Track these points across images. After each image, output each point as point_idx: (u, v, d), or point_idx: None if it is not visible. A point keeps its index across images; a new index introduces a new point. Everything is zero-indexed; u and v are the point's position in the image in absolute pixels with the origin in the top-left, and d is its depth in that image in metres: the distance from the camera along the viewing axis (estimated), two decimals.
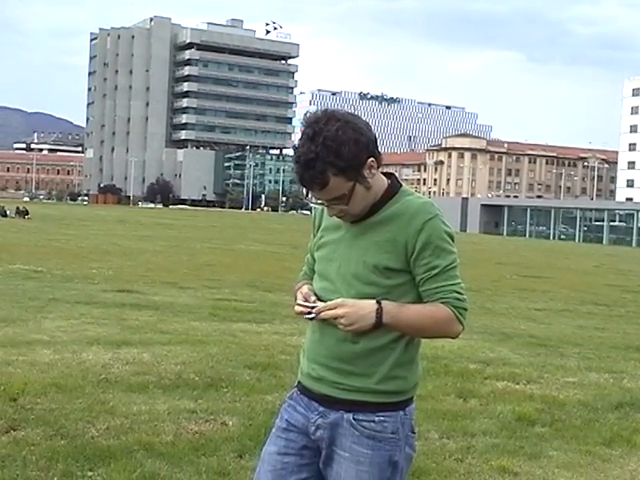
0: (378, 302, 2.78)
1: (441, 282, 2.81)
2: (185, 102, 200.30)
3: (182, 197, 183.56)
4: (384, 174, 2.94)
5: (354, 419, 2.86)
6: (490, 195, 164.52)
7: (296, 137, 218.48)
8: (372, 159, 2.79)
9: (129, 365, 8.28)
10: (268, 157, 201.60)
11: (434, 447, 6.18)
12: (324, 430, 2.90)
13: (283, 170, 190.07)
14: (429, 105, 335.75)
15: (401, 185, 2.94)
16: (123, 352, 8.91)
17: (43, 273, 18.36)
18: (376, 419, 2.85)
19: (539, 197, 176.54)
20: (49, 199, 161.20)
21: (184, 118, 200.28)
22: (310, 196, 2.88)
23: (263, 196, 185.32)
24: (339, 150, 2.70)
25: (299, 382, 3.05)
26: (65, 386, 7.22)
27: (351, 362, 2.86)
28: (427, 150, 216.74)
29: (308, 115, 2.79)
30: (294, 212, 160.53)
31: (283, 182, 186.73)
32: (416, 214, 2.82)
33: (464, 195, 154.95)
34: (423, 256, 2.80)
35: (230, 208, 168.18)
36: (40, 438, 5.76)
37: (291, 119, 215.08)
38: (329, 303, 2.81)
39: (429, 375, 8.61)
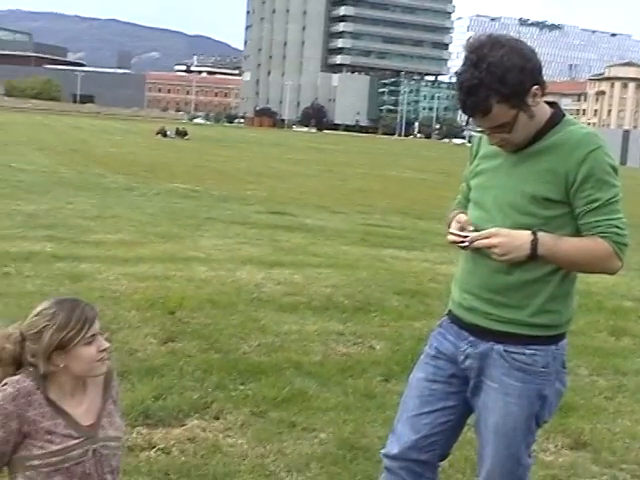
0: (534, 233, 2.72)
1: (601, 216, 2.71)
2: (341, 26, 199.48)
3: (336, 122, 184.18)
4: (547, 103, 2.85)
5: (505, 351, 2.84)
6: None
7: (452, 63, 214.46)
8: (537, 87, 2.71)
9: (280, 285, 8.47)
10: (423, 83, 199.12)
11: (583, 384, 6.07)
12: (473, 360, 2.90)
13: (438, 97, 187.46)
14: (593, 32, 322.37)
15: (564, 115, 2.85)
16: (275, 272, 9.11)
17: (200, 193, 18.90)
18: (527, 352, 2.82)
19: None
20: (207, 120, 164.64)
21: (340, 42, 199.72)
22: (471, 124, 2.81)
23: (416, 123, 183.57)
24: (504, 77, 2.62)
25: (450, 311, 3.05)
26: (220, 302, 7.47)
27: (504, 293, 2.82)
28: (588, 79, 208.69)
29: (471, 40, 2.73)
30: (447, 140, 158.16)
31: (437, 109, 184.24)
32: (579, 144, 2.72)
33: (626, 127, 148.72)
34: (584, 188, 2.71)
35: (383, 134, 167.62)
36: (196, 350, 6.01)
37: (447, 45, 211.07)
38: (483, 232, 2.77)
39: (581, 311, 8.41)
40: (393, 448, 3.07)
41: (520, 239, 2.72)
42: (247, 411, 4.93)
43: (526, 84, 2.68)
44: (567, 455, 4.71)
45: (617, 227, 2.73)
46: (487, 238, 2.76)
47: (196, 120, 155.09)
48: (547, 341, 2.85)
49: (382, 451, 3.15)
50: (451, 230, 2.91)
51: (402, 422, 3.07)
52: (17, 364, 2.39)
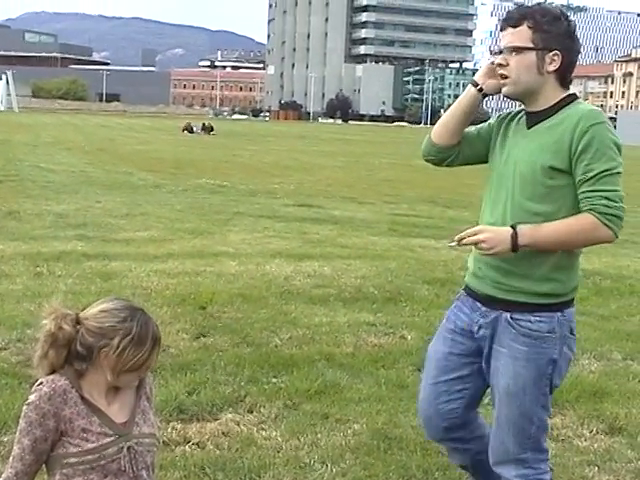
0: (513, 227, 2.93)
1: (594, 186, 2.90)
2: (364, 16, 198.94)
3: (361, 112, 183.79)
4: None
5: (512, 318, 3.06)
6: None
7: (476, 50, 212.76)
8: (557, 52, 2.99)
9: (310, 278, 8.49)
10: (447, 71, 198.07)
11: (617, 368, 6.04)
12: (485, 329, 3.13)
13: (463, 84, 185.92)
14: (619, 13, 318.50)
15: (577, 98, 3.10)
16: (304, 265, 9.13)
17: (228, 187, 18.96)
18: (532, 319, 3.04)
19: None
20: (232, 115, 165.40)
21: (363, 33, 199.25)
22: (493, 50, 3.22)
23: (442, 111, 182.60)
24: (544, 12, 3.00)
25: (466, 284, 3.28)
26: (250, 296, 7.50)
27: (512, 262, 3.01)
28: (615, 61, 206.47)
29: None
30: (472, 128, 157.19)
31: None
32: (583, 117, 2.93)
33: None
34: (583, 158, 2.90)
35: (409, 123, 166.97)
36: (227, 345, 6.04)
37: (471, 31, 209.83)
38: (468, 230, 2.99)
39: (612, 295, 8.38)
40: (419, 414, 3.43)
41: (502, 234, 2.94)
42: (280, 404, 4.96)
43: (554, 37, 2.98)
44: (602, 440, 4.69)
45: (607, 199, 2.89)
46: (474, 235, 2.96)
47: (235, 116, 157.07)
48: (552, 308, 3.07)
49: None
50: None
51: (422, 392, 3.37)
52: (68, 348, 2.38)
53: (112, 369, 2.35)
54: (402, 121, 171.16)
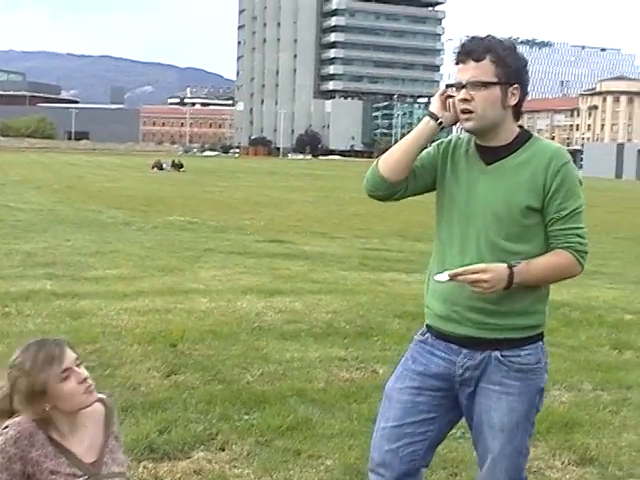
0: (510, 267, 2.91)
1: (568, 224, 2.96)
2: (332, 52, 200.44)
3: (331, 148, 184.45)
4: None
5: (502, 356, 3.04)
6: None
7: (443, 85, 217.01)
8: (517, 86, 2.99)
9: (281, 313, 8.47)
10: (416, 106, 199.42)
11: (588, 399, 6.07)
12: (474, 370, 3.06)
13: None
14: (582, 48, 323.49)
15: (531, 133, 3.11)
16: (276, 301, 9.11)
17: (198, 224, 18.94)
18: (522, 353, 3.05)
19: None
20: (202, 152, 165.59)
21: (332, 69, 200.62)
22: (448, 86, 3.07)
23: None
24: (503, 46, 2.97)
25: (432, 326, 3.17)
26: (221, 333, 7.47)
27: (496, 301, 2.98)
28: (580, 95, 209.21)
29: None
30: None
31: None
32: (554, 156, 2.98)
33: (619, 141, 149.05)
34: (556, 197, 2.96)
35: (378, 158, 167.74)
36: (199, 382, 6.00)
37: (439, 67, 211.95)
38: (469, 268, 2.91)
39: (582, 326, 8.44)
40: (374, 458, 3.20)
41: (502, 274, 2.91)
42: (252, 441, 4.92)
43: (514, 71, 2.97)
44: (574, 471, 4.70)
45: (579, 236, 2.98)
46: (476, 273, 2.89)
47: (205, 153, 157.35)
48: (536, 339, 3.10)
49: (368, 466, 3.26)
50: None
51: (382, 433, 3.19)
52: (11, 414, 2.40)
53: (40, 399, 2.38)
54: (371, 156, 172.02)
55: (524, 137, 3.05)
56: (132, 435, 4.67)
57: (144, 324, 7.70)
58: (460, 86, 2.98)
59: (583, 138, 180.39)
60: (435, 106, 3.06)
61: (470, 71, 2.95)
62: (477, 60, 2.93)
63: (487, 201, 3.00)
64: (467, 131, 3.06)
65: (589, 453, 4.94)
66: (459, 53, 2.99)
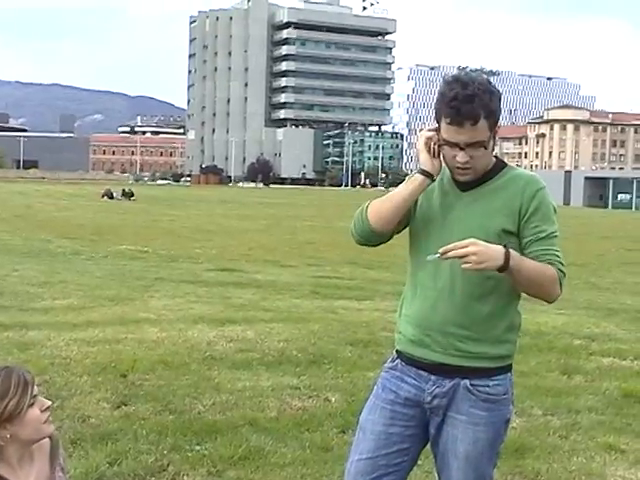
0: (505, 246, 2.87)
1: (548, 245, 2.98)
2: (283, 81, 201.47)
3: (282, 176, 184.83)
4: None
5: (471, 385, 3.02)
6: (594, 167, 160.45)
7: (394, 113, 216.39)
8: (499, 124, 3.00)
9: (233, 342, 8.43)
10: (367, 134, 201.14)
11: (538, 424, 6.12)
12: (442, 398, 3.05)
13: (382, 147, 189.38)
14: (529, 77, 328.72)
15: (506, 163, 3.13)
16: (227, 330, 9.07)
17: (149, 253, 18.82)
18: (491, 384, 3.03)
19: None
20: (153, 181, 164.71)
21: (283, 97, 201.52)
22: (439, 144, 2.99)
23: (362, 173, 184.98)
24: (491, 95, 2.93)
25: (402, 352, 3.15)
26: (172, 363, 7.41)
27: (469, 326, 2.99)
28: (528, 123, 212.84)
29: (445, 77, 2.99)
30: (392, 189, 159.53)
31: (382, 159, 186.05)
32: (529, 183, 3.02)
33: (567, 168, 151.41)
34: (533, 220, 2.98)
35: (330, 186, 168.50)
36: (149, 413, 5.94)
37: (389, 95, 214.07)
38: (459, 243, 2.84)
39: (532, 351, 8.51)
40: None
41: (495, 249, 2.85)
42: (204, 471, 4.89)
43: (498, 109, 2.97)
44: None
45: (559, 258, 2.98)
46: (465, 247, 2.81)
47: (159, 181, 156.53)
48: (505, 370, 3.09)
49: None
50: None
51: (356, 465, 3.12)
52: None
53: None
54: (323, 184, 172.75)
55: (499, 166, 3.08)
56: (82, 468, 4.61)
57: (94, 354, 7.62)
58: (462, 147, 2.92)
59: (532, 166, 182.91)
60: (427, 164, 3.01)
61: (468, 134, 2.90)
62: (475, 123, 2.88)
63: (463, 226, 2.99)
64: (462, 182, 3.04)
65: (540, 478, 4.99)
66: (454, 116, 2.88)
